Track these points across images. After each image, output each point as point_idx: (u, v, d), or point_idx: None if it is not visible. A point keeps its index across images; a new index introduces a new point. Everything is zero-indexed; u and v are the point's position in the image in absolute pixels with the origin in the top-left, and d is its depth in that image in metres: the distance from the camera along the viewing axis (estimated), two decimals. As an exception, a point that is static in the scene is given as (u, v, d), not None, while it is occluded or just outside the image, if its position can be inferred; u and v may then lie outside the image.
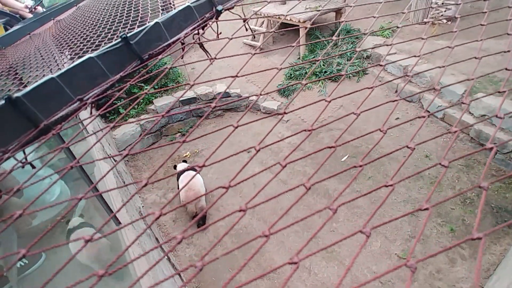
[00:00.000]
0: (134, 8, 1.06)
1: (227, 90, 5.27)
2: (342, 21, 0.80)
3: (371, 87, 0.48)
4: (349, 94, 0.58)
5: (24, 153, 0.39)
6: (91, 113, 0.44)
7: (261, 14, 6.01)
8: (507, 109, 3.32)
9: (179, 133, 5.15)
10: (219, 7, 0.54)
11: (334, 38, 0.61)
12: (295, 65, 4.31)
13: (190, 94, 5.13)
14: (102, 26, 1.24)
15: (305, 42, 5.68)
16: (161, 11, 0.99)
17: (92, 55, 0.44)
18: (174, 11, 0.52)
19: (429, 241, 3.04)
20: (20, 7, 3.69)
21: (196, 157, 4.65)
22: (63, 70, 0.42)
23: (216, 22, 0.55)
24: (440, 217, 3.20)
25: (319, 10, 5.35)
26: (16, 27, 3.10)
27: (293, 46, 0.61)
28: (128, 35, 0.47)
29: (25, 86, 1.53)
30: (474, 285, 2.37)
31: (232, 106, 5.26)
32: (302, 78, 5.34)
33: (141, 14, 1.04)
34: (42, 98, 0.42)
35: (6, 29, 3.37)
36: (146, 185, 0.37)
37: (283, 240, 3.28)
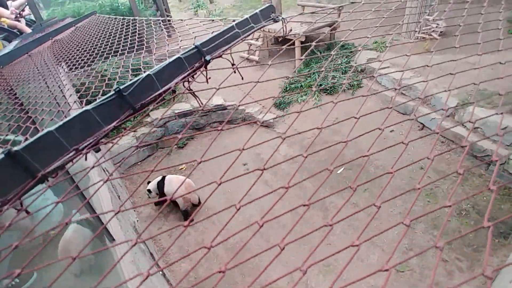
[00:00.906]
0: (131, 35, 1.10)
1: (224, 103, 5.31)
2: (343, 40, 0.84)
3: (366, 96, 0.51)
4: (349, 99, 0.61)
5: (22, 204, 0.41)
6: (86, 159, 0.46)
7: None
8: (497, 121, 3.39)
9: (176, 146, 5.16)
10: (208, 57, 0.57)
11: (330, 55, 0.64)
12: (291, 78, 4.38)
13: (186, 106, 5.17)
14: (98, 47, 1.28)
15: (301, 55, 5.78)
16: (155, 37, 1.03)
17: (88, 107, 0.47)
18: (165, 63, 0.55)
19: (426, 254, 3.05)
20: (7, 14, 3.73)
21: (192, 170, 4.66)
22: (60, 123, 0.44)
23: (206, 70, 0.58)
24: (437, 229, 3.22)
25: (316, 26, 5.46)
26: (14, 42, 3.14)
27: (288, 77, 0.64)
28: (121, 87, 0.50)
29: (21, 103, 1.55)
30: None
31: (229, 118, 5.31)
32: (298, 91, 5.41)
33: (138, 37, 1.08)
34: (39, 150, 0.44)
35: (3, 45, 3.41)
36: (147, 240, 0.38)
37: (280, 254, 3.27)
